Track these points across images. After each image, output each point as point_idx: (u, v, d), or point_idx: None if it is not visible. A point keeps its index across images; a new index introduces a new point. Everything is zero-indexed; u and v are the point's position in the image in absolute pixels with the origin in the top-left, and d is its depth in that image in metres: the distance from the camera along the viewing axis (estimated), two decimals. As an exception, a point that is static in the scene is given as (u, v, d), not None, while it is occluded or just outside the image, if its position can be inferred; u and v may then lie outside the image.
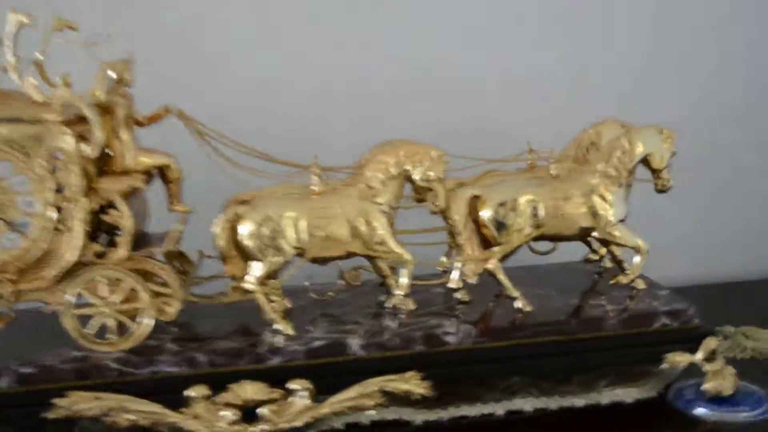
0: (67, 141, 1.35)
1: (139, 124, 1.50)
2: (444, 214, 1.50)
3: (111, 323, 1.40)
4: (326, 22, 1.94)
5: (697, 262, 2.15)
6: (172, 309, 1.44)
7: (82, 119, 1.42)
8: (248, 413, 1.36)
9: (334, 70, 1.93)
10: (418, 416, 1.43)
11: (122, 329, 1.41)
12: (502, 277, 1.50)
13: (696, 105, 2.10)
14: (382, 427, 1.42)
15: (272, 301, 1.52)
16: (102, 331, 1.40)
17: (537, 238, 1.51)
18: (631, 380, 1.51)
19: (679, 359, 1.44)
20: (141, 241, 1.46)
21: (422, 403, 1.41)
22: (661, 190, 1.53)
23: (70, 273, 1.38)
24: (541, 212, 1.47)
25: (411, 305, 1.51)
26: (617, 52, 2.07)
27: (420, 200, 1.49)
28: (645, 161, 1.51)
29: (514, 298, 1.49)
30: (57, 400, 1.32)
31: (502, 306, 1.51)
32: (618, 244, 1.54)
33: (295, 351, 1.39)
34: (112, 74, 1.42)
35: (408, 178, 1.46)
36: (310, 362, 1.39)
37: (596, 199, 1.49)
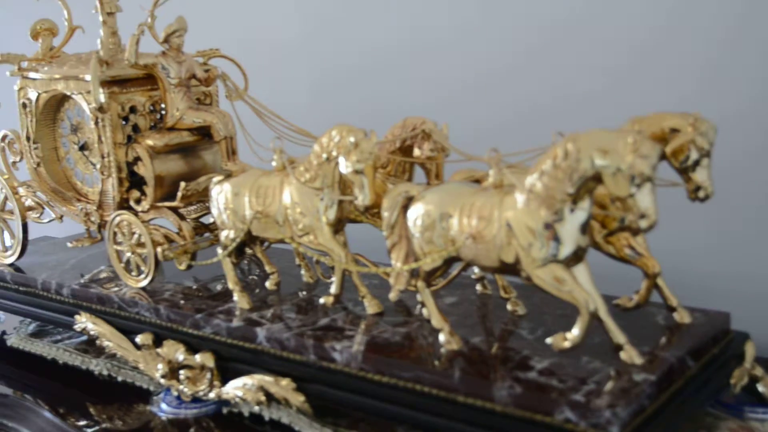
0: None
1: (202, 83, 1.61)
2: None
3: (133, 261, 1.57)
4: None
5: None
6: (185, 258, 1.55)
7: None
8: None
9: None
10: (310, 429, 1.28)
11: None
12: (427, 301, 1.19)
13: None
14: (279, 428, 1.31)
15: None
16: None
17: (467, 264, 1.15)
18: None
19: (569, 475, 0.98)
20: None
21: (320, 415, 1.27)
22: (630, 229, 0.99)
23: None
24: (454, 230, 1.12)
25: (374, 308, 1.33)
26: None
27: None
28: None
29: (439, 330, 1.19)
30: (78, 317, 1.57)
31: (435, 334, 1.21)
32: (548, 293, 1.06)
33: (218, 326, 1.37)
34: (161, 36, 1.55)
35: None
36: (225, 340, 1.36)
37: (517, 225, 1.05)
